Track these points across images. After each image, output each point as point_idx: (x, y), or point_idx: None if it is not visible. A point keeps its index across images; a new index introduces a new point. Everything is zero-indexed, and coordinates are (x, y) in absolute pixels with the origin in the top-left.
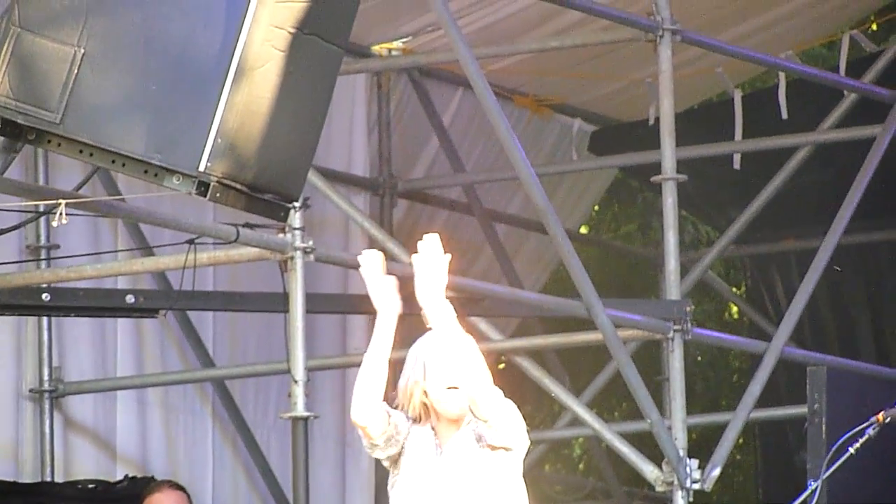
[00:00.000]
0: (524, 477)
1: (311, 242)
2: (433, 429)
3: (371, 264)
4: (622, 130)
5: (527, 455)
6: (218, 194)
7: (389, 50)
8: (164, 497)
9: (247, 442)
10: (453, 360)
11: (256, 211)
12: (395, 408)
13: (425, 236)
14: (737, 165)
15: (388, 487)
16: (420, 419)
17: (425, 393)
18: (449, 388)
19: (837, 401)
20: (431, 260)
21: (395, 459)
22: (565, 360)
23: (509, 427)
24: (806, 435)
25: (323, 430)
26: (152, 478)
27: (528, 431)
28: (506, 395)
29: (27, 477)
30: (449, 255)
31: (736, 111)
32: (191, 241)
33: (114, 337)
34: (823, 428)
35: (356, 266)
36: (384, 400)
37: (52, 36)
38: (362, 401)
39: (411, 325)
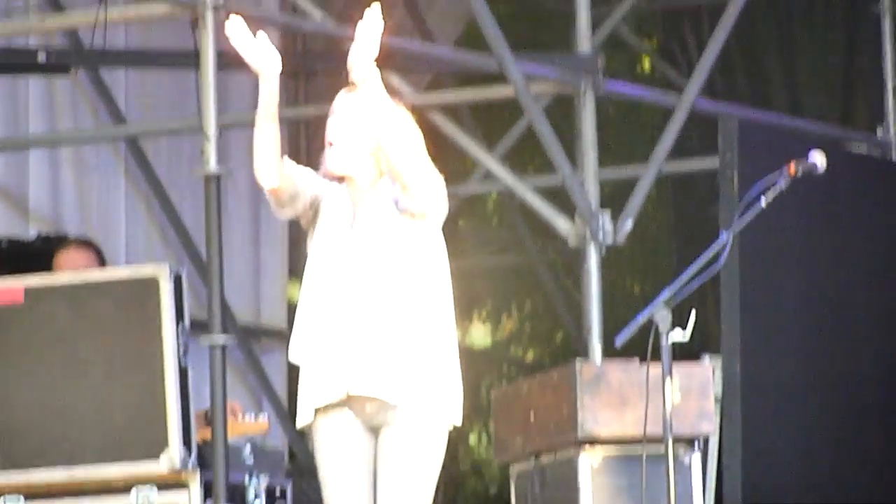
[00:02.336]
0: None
1: None
2: (347, 189)
3: (236, 30)
4: None
5: None
6: None
7: None
8: (72, 254)
9: (160, 199)
10: (343, 116)
11: None
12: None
13: (372, 6)
14: None
15: (307, 248)
16: (336, 177)
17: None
18: (328, 143)
19: (749, 152)
20: (370, 29)
21: (311, 220)
22: (478, 115)
23: (427, 195)
24: (718, 187)
25: (237, 186)
26: (65, 236)
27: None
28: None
29: None
30: (382, 25)
31: None
32: None
33: (25, 95)
34: (735, 180)
35: (267, 22)
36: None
37: None
38: (263, 165)
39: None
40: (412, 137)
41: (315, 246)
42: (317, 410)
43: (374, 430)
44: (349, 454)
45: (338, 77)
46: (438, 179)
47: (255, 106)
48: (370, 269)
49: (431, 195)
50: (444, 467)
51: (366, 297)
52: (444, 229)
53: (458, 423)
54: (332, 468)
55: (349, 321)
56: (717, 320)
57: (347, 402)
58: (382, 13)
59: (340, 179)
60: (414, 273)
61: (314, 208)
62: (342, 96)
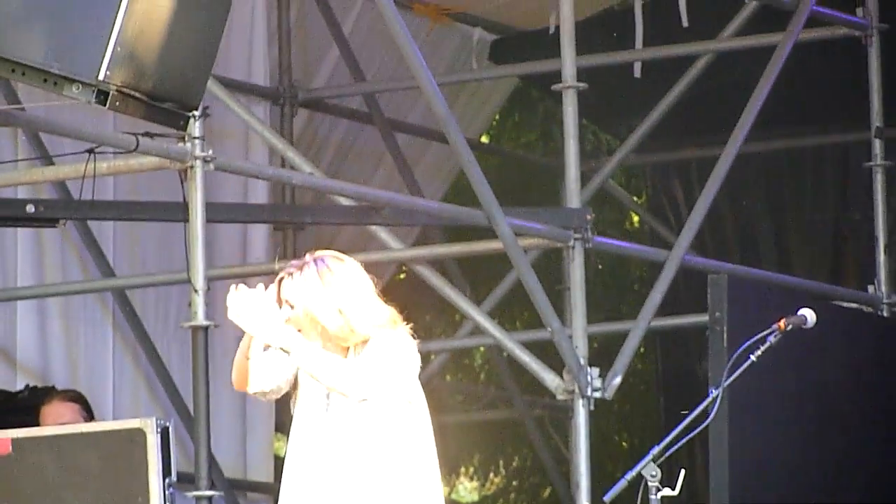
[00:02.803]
0: (424, 388)
1: (210, 151)
2: None
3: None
4: (522, 39)
5: (423, 370)
6: (117, 103)
7: None
8: (59, 407)
9: (147, 352)
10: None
11: (156, 120)
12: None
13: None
14: (637, 74)
15: (291, 408)
16: None
17: None
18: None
19: (738, 309)
20: (248, 306)
21: (294, 386)
22: (466, 269)
23: (356, 390)
24: (707, 343)
25: (224, 339)
26: (53, 387)
27: (420, 348)
28: (406, 304)
29: None
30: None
31: (637, 19)
32: (91, 151)
33: (14, 247)
34: (724, 336)
35: (256, 176)
36: None
37: None
38: (236, 381)
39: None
40: (317, 352)
41: (297, 415)
42: None
43: None
44: None
45: (327, 230)
46: (366, 367)
47: (242, 259)
48: (342, 440)
49: (360, 387)
50: None
51: (338, 469)
52: (429, 385)
53: None
54: None
55: (323, 493)
56: (706, 476)
57: None
58: (369, 167)
59: None
60: (385, 445)
61: (294, 382)
62: (283, 283)
